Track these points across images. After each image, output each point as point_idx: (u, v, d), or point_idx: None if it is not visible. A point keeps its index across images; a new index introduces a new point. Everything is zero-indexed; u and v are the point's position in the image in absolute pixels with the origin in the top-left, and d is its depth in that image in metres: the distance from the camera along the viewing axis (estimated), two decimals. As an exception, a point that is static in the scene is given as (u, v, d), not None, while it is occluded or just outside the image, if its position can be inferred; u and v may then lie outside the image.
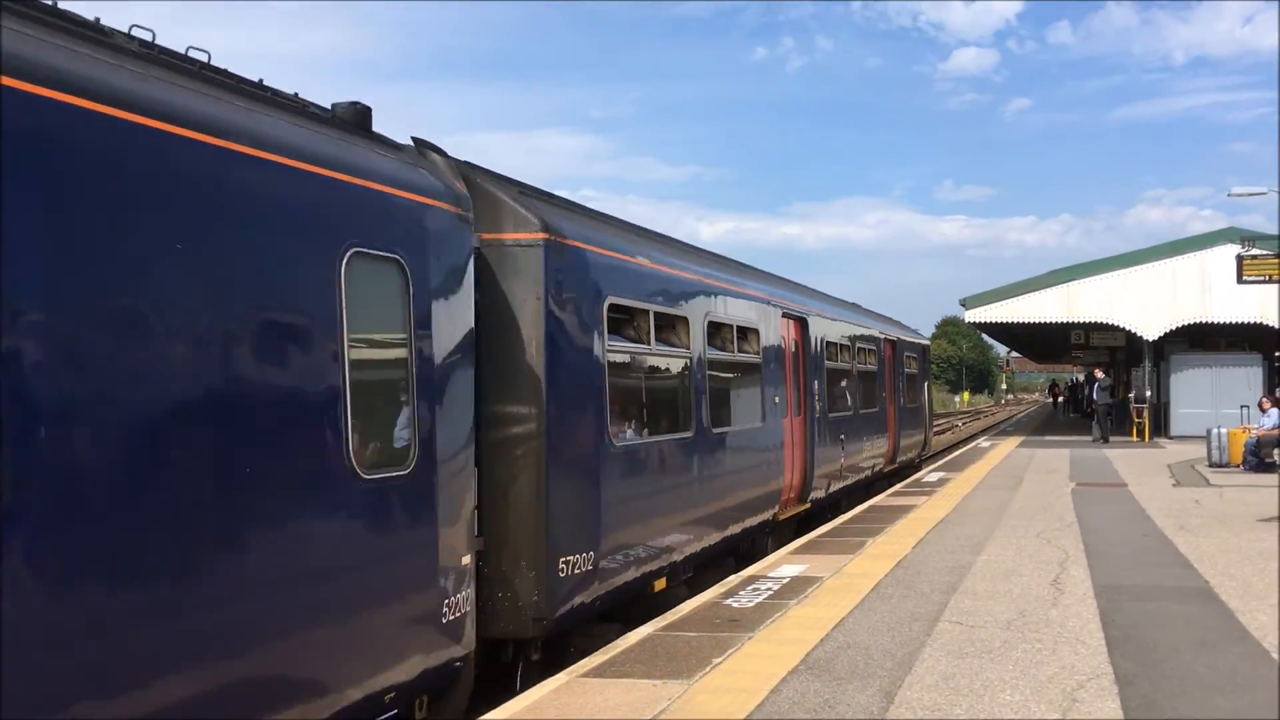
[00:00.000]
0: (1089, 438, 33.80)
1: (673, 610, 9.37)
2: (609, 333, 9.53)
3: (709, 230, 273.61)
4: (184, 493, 4.93)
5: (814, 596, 9.72)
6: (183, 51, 5.56)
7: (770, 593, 9.90)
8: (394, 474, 6.49)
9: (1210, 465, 23.25)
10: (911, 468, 26.76)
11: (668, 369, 11.36)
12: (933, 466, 25.69)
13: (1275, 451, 22.13)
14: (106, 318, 4.58)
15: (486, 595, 7.97)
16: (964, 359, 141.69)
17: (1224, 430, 23.90)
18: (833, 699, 6.59)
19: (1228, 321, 33.22)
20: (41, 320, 4.28)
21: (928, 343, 34.06)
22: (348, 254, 6.11)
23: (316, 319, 5.88)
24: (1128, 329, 34.60)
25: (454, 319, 7.27)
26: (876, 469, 22.43)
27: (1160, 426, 34.43)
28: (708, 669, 7.31)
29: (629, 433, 10.11)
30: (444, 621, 6.95)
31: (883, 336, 24.07)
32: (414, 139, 7.81)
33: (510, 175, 8.76)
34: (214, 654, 5.06)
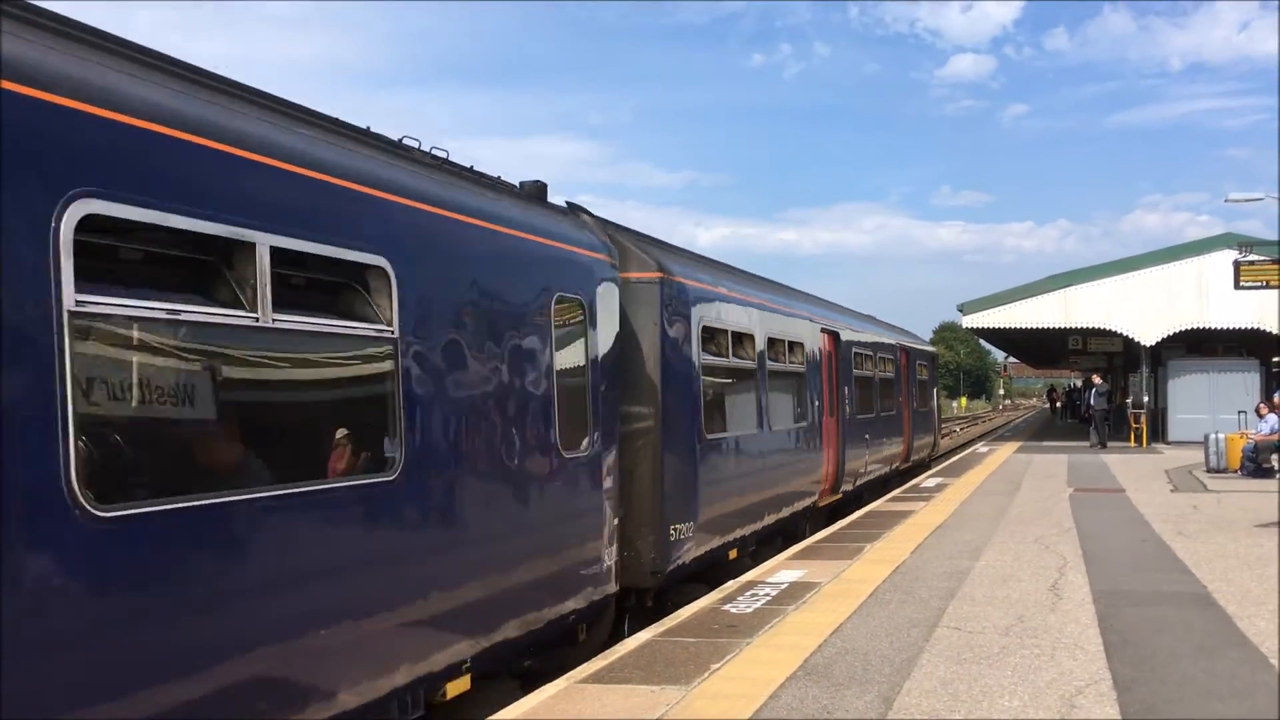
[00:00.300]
0: (1087, 443, 33.81)
1: (671, 616, 9.37)
2: (701, 349, 11.86)
3: (706, 236, 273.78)
4: (484, 456, 7.52)
5: (812, 602, 9.71)
6: (428, 151, 7.71)
7: (769, 598, 9.89)
8: (580, 455, 8.97)
9: (1208, 471, 23.26)
10: (923, 467, 28.79)
11: (740, 377, 13.77)
12: (931, 472, 25.70)
13: (1273, 457, 22.14)
14: (449, 346, 7.09)
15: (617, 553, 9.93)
16: (961, 364, 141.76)
17: (1221, 436, 23.92)
18: (831, 705, 6.59)
19: (1225, 327, 33.23)
20: (429, 355, 6.89)
21: (936, 351, 37.47)
22: (554, 296, 8.62)
23: (539, 343, 8.34)
24: (1125, 334, 34.61)
25: (610, 340, 9.73)
26: (894, 466, 24.87)
27: (1158, 432, 34.44)
28: (706, 675, 7.30)
29: (715, 429, 12.38)
30: (604, 567, 9.37)
31: (898, 345, 26.61)
32: (568, 203, 10.41)
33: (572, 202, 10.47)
34: (507, 563, 7.82)
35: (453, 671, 7.08)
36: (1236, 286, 27.57)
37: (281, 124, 5.94)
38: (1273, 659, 7.51)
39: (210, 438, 5.61)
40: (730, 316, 13.21)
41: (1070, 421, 57.01)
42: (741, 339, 13.65)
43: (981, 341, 68.97)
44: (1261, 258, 28.40)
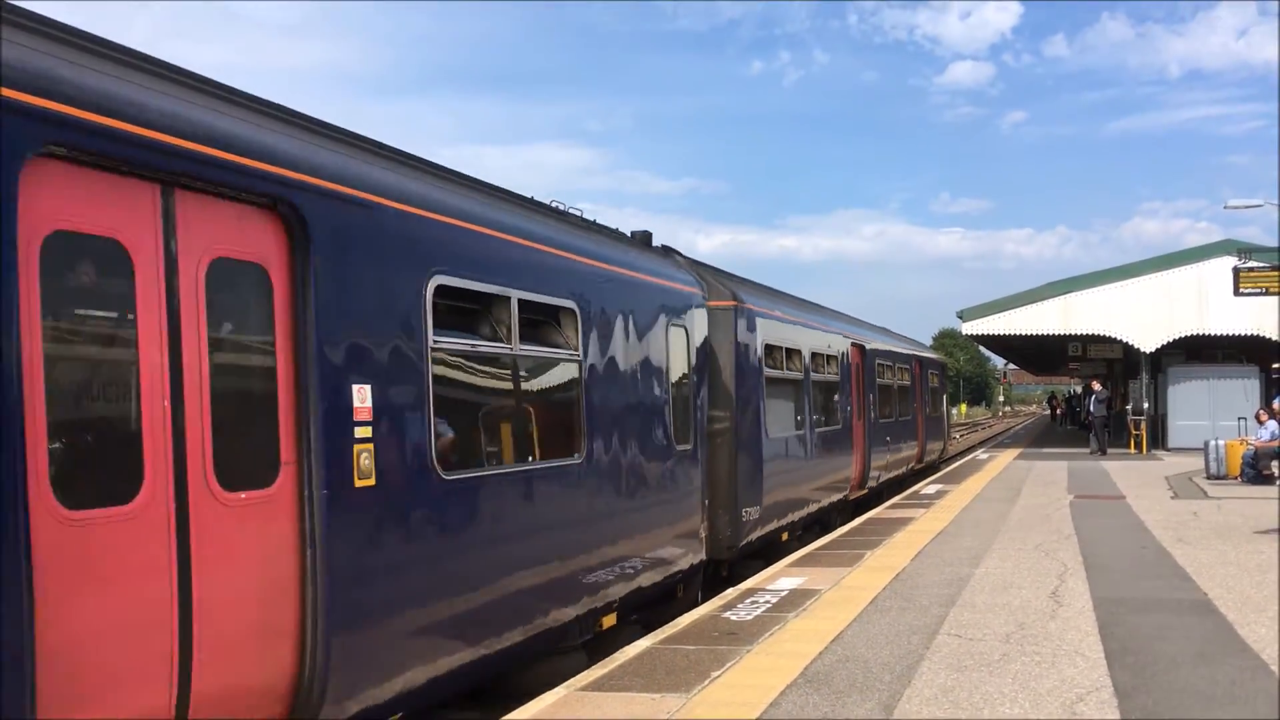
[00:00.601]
0: (1087, 450, 33.81)
1: (670, 623, 9.36)
2: (767, 362, 14.73)
3: (706, 243, 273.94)
4: (632, 446, 10.10)
5: (813, 609, 9.70)
6: (587, 218, 10.68)
7: (769, 605, 9.88)
8: (686, 448, 11.48)
9: (1208, 477, 23.24)
10: (933, 468, 31.31)
11: (792, 386, 16.49)
12: (931, 478, 25.68)
13: (1273, 464, 22.12)
14: (609, 364, 9.63)
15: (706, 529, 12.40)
16: (961, 371, 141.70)
17: (1221, 442, 23.90)
18: (832, 712, 6.58)
19: (1225, 334, 33.24)
20: (599, 370, 9.42)
21: (945, 360, 41.04)
22: (669, 324, 11.22)
23: (661, 360, 10.93)
24: (1125, 341, 34.62)
25: (701, 357, 12.26)
26: (909, 466, 27.44)
27: (1157, 439, 34.43)
28: (706, 682, 7.29)
29: (774, 430, 14.96)
30: (699, 538, 11.96)
31: (913, 355, 29.56)
32: (663, 246, 13.00)
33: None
34: (644, 529, 10.36)
35: (608, 608, 9.64)
36: (1236, 293, 27.56)
37: (521, 212, 8.80)
38: (1273, 665, 7.50)
39: (487, 431, 8.33)
40: (784, 335, 15.96)
41: (1070, 428, 57.00)
42: (791, 353, 16.35)
43: (981, 348, 68.99)
44: (1261, 264, 28.40)
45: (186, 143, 5.21)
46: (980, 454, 36.31)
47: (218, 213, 5.40)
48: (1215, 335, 33.49)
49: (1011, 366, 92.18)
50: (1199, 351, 35.59)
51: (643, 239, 12.30)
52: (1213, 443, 23.92)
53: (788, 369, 16.03)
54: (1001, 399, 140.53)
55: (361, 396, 6.32)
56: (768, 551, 14.53)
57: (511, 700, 7.57)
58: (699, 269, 13.48)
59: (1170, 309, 33.44)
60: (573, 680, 7.53)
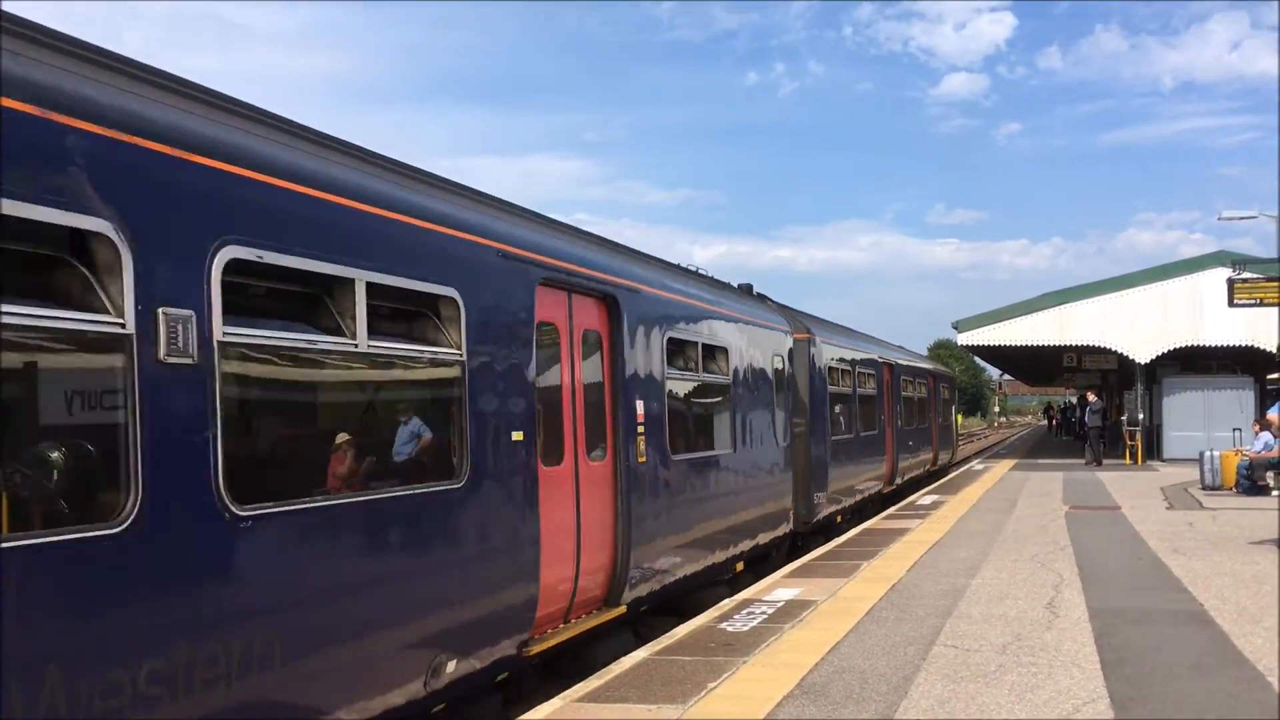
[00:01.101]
0: (1082, 460, 33.82)
1: (667, 634, 9.35)
2: (828, 380, 19.00)
3: (702, 253, 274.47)
4: (758, 442, 14.27)
5: (809, 620, 9.69)
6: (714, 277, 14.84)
7: (765, 616, 9.88)
8: (785, 444, 15.65)
9: (1203, 488, 23.26)
10: (943, 471, 34.66)
11: (845, 398, 20.76)
12: (927, 489, 25.70)
13: (1268, 474, 22.14)
14: (745, 385, 13.81)
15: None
16: (956, 382, 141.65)
17: (1216, 453, 23.93)
18: (828, 723, 6.56)
19: (1219, 345, 33.30)
20: (740, 394, 13.66)
21: (954, 375, 46.72)
22: (776, 357, 15.45)
23: (771, 380, 15.06)
24: (1120, 352, 34.67)
25: (789, 377, 16.27)
26: (926, 468, 31.79)
27: (1153, 449, 34.46)
28: (703, 693, 7.28)
29: (834, 434, 19.18)
30: (790, 514, 15.95)
31: (929, 371, 34.87)
32: (756, 293, 17.18)
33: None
34: (763, 501, 14.42)
35: (739, 558, 13.39)
36: (1230, 304, 27.56)
37: (706, 287, 13.38)
38: (1269, 676, 7.51)
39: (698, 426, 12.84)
40: (840, 356, 20.36)
41: (1065, 438, 57.06)
42: (844, 373, 20.63)
43: (977, 359, 69.02)
44: (1255, 275, 28.46)
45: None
46: (976, 464, 36.32)
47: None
48: (1210, 346, 33.55)
49: (1007, 377, 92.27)
50: (1194, 362, 35.65)
51: (746, 289, 16.89)
52: (1208, 453, 23.96)
53: (841, 385, 20.42)
54: (997, 409, 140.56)
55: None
56: (827, 530, 18.55)
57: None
58: (781, 308, 17.88)
59: (1165, 320, 33.51)
60: (569, 692, 7.52)
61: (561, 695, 7.43)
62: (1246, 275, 28.33)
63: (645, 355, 10.39)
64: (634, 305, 10.15)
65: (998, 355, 51.07)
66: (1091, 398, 36.39)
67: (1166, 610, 9.98)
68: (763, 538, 14.55)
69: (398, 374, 7.02)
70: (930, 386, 33.50)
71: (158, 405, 4.83)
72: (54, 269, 4.61)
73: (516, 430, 7.96)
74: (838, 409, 19.86)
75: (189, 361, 5.01)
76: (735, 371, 13.37)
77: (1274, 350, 31.10)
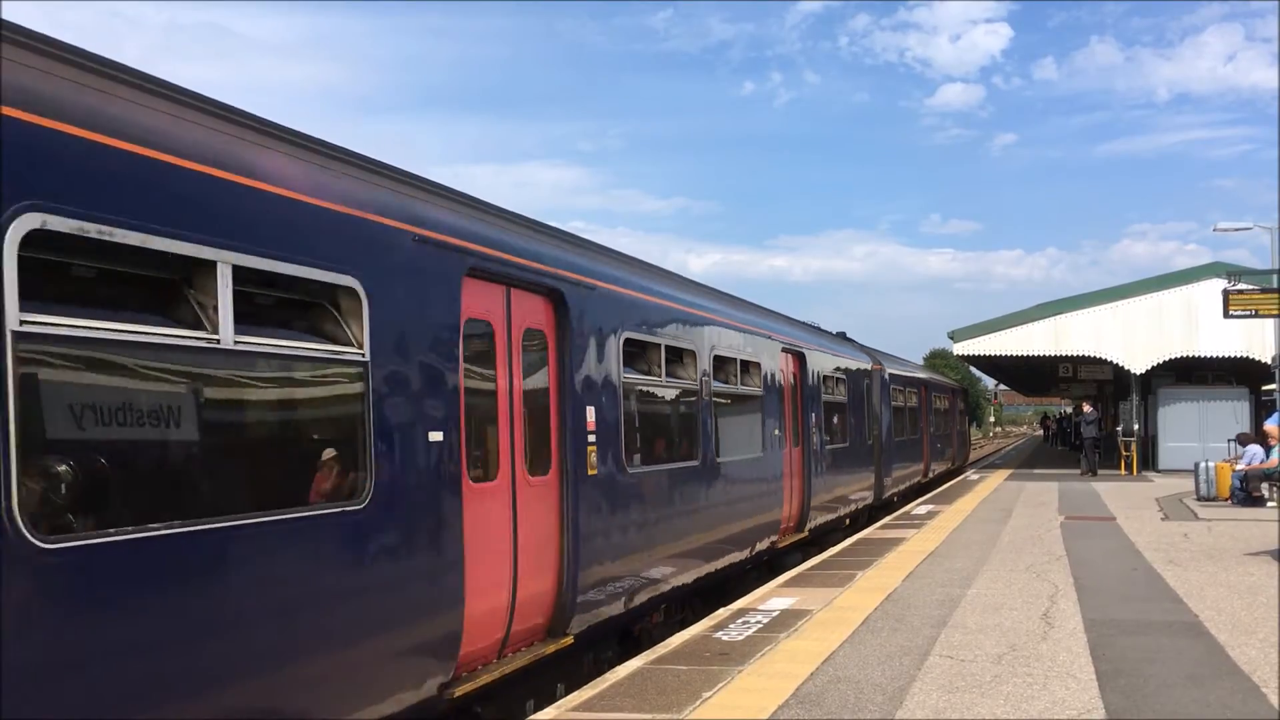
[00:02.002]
0: (1077, 471, 33.85)
1: (662, 643, 9.33)
2: (890, 398, 26.13)
3: (697, 263, 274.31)
4: (853, 440, 21.53)
5: (804, 630, 9.69)
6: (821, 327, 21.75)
7: (760, 625, 9.87)
8: (870, 442, 23.49)
9: (1198, 499, 23.28)
10: (960, 470, 41.73)
11: (901, 412, 28.09)
12: (923, 499, 25.71)
13: (1263, 486, 22.17)
14: (850, 403, 21.57)
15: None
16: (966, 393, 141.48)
17: (1211, 464, 23.95)
18: (823, 734, 6.56)
19: (1214, 356, 33.36)
20: (819, 411, 18.69)
21: (966, 387, 57.61)
22: (866, 382, 23.63)
23: (864, 399, 23.34)
24: (1115, 362, 34.72)
25: (870, 396, 23.92)
26: (948, 467, 38.76)
27: (1148, 460, 34.50)
28: (698, 703, 7.27)
29: (893, 437, 26.09)
30: (872, 491, 23.57)
31: (950, 387, 43.42)
32: (840, 333, 25.01)
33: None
34: (853, 483, 21.69)
35: (845, 518, 20.54)
36: (1226, 315, 27.56)
37: (828, 341, 20.71)
38: (1264, 688, 7.51)
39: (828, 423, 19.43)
40: (898, 376, 28.15)
41: (1060, 448, 57.11)
42: (897, 391, 27.51)
43: (972, 369, 69.07)
44: (1250, 286, 28.52)
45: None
46: (971, 474, 36.34)
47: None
48: (1205, 357, 33.61)
49: (1002, 387, 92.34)
50: (1189, 373, 35.70)
51: (840, 334, 24.99)
52: (1203, 464, 23.98)
53: (899, 402, 27.79)
54: (992, 419, 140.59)
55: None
56: (889, 506, 25.02)
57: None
58: (860, 346, 25.66)
59: (1160, 331, 33.57)
60: (563, 701, 7.50)
61: (556, 705, 7.41)
62: (1242, 286, 28.36)
63: (599, 358, 9.34)
64: (586, 302, 9.12)
65: (993, 365, 51.14)
66: (1087, 408, 36.44)
67: (1162, 621, 9.98)
68: (859, 503, 21.72)
69: (278, 375, 5.86)
70: (950, 400, 41.92)
71: None
72: None
73: (435, 443, 6.90)
74: (897, 418, 27.26)
75: None
76: (706, 377, 12.25)
77: (1269, 361, 31.17)
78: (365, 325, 6.26)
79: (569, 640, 8.75)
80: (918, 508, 22.79)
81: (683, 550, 11.45)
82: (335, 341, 6.15)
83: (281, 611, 5.62)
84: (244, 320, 5.38)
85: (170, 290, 5.16)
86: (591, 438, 9.15)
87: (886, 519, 20.78)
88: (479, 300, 7.63)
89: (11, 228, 4.30)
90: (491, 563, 7.62)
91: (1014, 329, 35.20)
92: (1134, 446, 34.16)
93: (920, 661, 8.38)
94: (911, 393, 30.18)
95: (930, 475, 33.42)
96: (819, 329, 22.05)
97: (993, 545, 15.70)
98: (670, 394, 11.64)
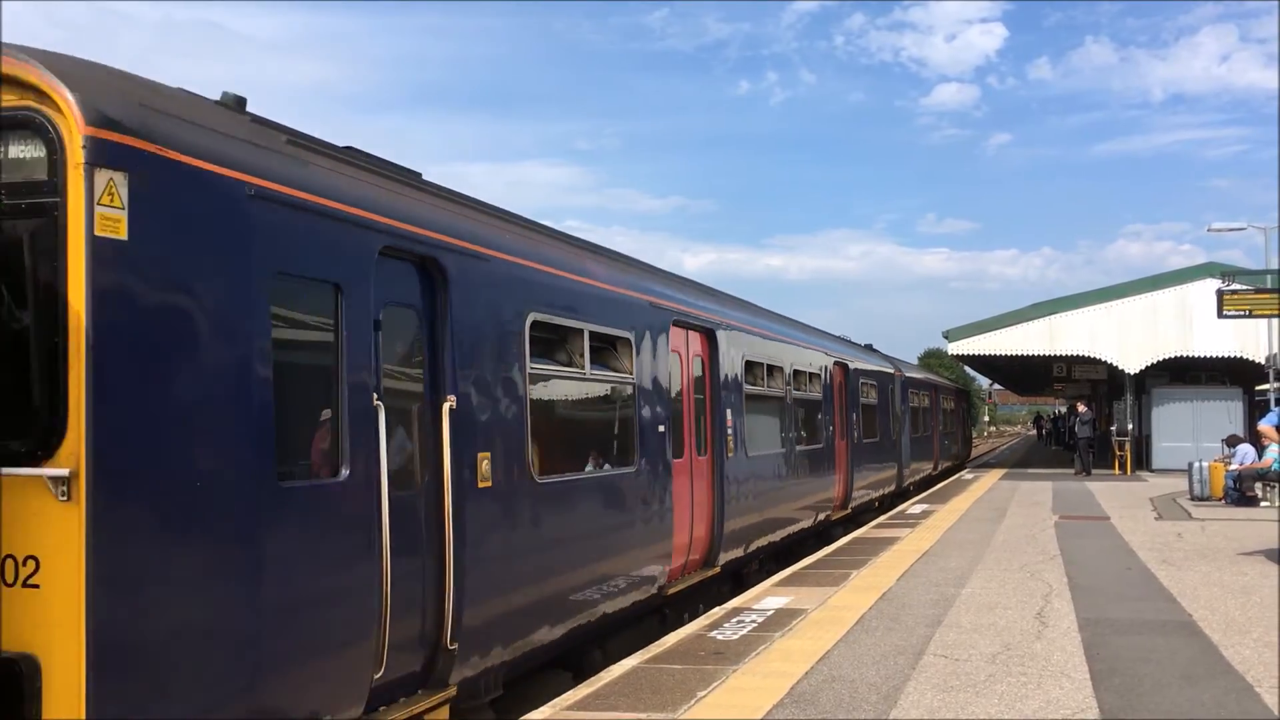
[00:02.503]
0: (1071, 470, 33.92)
1: (657, 642, 9.33)
2: (908, 401, 30.39)
3: (692, 261, 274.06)
4: (878, 438, 24.92)
5: (799, 629, 9.69)
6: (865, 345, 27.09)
7: (755, 625, 9.87)
8: (892, 439, 27.07)
9: (1191, 499, 23.33)
10: (964, 464, 46.67)
11: (911, 410, 30.66)
12: (917, 498, 25.73)
13: (1257, 485, 22.23)
14: (879, 406, 25.46)
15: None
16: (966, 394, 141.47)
17: (1205, 464, 23.99)
18: (818, 733, 6.56)
19: (1208, 356, 33.44)
20: (858, 412, 22.43)
21: (969, 390, 65.06)
22: (890, 387, 27.38)
23: (889, 409, 26.90)
24: (1109, 362, 34.78)
25: (897, 402, 28.29)
26: (953, 461, 43.37)
27: (1142, 459, 34.56)
28: (693, 702, 7.27)
29: (910, 434, 30.12)
30: (895, 479, 27.41)
31: (956, 389, 49.20)
32: (868, 345, 28.64)
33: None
34: (879, 471, 25.30)
35: (873, 502, 24.11)
36: (1220, 315, 27.67)
37: (865, 352, 26.30)
38: (1258, 687, 7.53)
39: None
40: (913, 380, 32.48)
41: (1055, 448, 57.21)
42: (911, 393, 31.07)
43: (967, 368, 69.16)
44: (1244, 287, 28.60)
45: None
46: (966, 474, 36.39)
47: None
48: (1199, 357, 33.68)
49: (997, 387, 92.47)
50: (1183, 373, 35.76)
51: (868, 346, 28.11)
52: (1196, 464, 24.03)
53: (914, 403, 31.59)
54: (986, 419, 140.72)
55: None
56: (905, 495, 27.81)
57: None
58: (884, 355, 29.49)
59: (1154, 331, 33.65)
60: (558, 700, 7.50)
61: (551, 704, 7.41)
62: (1236, 286, 28.46)
63: (736, 381, 13.32)
64: (730, 341, 12.90)
65: (988, 365, 51.24)
66: (1081, 408, 36.50)
67: (1155, 621, 10.00)
68: (884, 489, 25.63)
69: (611, 389, 10.23)
70: (956, 401, 47.56)
71: None
72: None
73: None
74: (914, 418, 31.32)
75: None
76: (789, 386, 15.34)
77: (1263, 362, 31.24)
78: (877, 394, 22.58)
79: (717, 570, 12.56)
80: (912, 507, 22.82)
81: (776, 516, 15.42)
82: (929, 406, 30.61)
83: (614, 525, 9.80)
84: (921, 401, 24.89)
85: (912, 395, 25.69)
86: (730, 430, 13.09)
87: (882, 518, 20.79)
88: (932, 394, 32.63)
89: (528, 319, 8.34)
90: (681, 512, 11.36)
91: (1009, 329, 35.27)
92: (1128, 446, 34.23)
93: (915, 661, 8.39)
94: (924, 395, 34.54)
95: (939, 469, 36.80)
96: (850, 341, 25.68)
97: (987, 545, 15.72)
98: (772, 397, 15.77)
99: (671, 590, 11.12)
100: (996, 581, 12.28)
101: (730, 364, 13.38)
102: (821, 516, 18.74)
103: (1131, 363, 33.98)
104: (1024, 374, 54.75)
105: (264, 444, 5.54)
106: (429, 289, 7.21)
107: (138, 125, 5.05)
